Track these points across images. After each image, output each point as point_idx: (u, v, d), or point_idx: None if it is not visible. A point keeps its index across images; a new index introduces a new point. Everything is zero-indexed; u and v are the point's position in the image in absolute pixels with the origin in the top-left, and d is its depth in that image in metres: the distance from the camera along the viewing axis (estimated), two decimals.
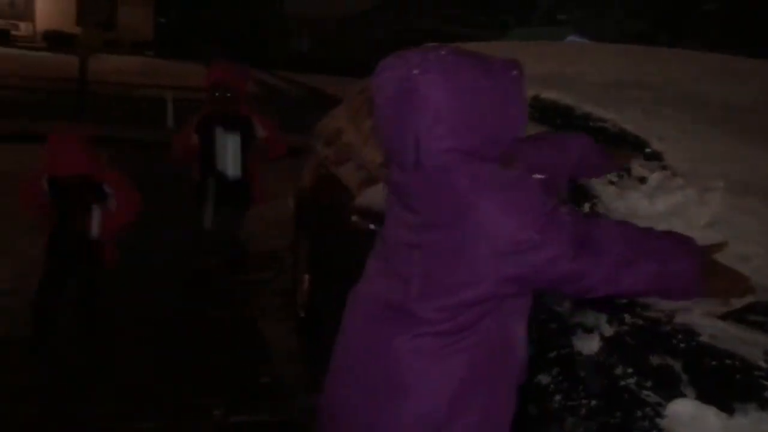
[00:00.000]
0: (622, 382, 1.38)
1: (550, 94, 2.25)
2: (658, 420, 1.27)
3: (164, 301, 4.31)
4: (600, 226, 1.41)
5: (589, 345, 1.51)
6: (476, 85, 1.37)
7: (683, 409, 1.25)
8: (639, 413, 1.30)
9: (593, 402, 1.40)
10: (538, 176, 1.53)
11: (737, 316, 1.51)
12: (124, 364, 3.62)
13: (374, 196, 2.29)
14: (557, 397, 1.46)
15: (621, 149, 1.95)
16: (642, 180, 1.89)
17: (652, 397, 1.32)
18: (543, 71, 2.49)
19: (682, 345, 1.39)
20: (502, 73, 1.41)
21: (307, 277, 4.13)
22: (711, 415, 1.22)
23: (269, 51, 16.54)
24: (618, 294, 1.46)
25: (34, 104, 9.99)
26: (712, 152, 2.00)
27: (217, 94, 4.19)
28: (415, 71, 1.36)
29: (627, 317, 1.51)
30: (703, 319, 1.46)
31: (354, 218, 2.30)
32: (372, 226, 2.17)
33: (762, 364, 1.32)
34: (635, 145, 2.02)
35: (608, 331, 1.51)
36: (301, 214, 4.35)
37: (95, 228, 3.48)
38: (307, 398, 3.44)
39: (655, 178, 1.88)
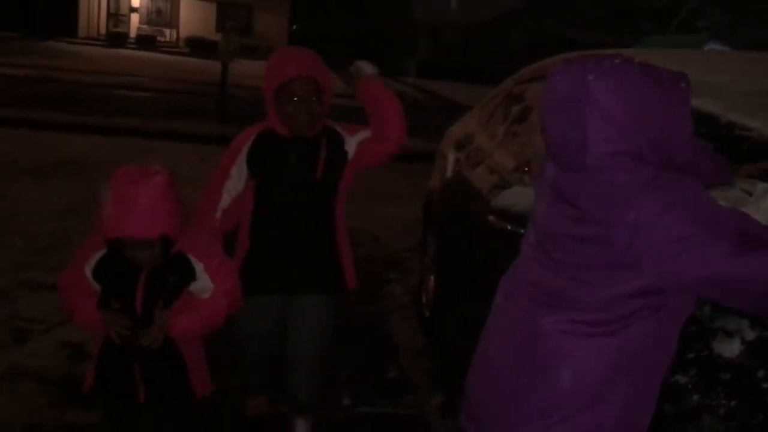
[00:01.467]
0: (765, 385, 1.40)
1: (693, 102, 2.23)
2: None
3: None
4: (757, 223, 1.42)
5: (730, 348, 1.52)
6: (645, 94, 1.46)
7: None
8: None
9: (733, 402, 1.42)
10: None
11: None
12: None
13: (512, 198, 2.36)
14: (695, 397, 1.49)
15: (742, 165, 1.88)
16: (749, 193, 1.84)
17: None
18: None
19: None
20: (671, 84, 1.49)
21: (432, 277, 4.24)
22: None
23: (397, 58, 16.84)
24: None
25: (180, 106, 10.67)
26: None
27: (295, 100, 2.49)
28: (590, 77, 1.45)
29: None
30: None
31: (491, 218, 2.38)
32: (509, 227, 2.24)
33: None
34: None
35: (750, 335, 1.52)
36: (429, 215, 4.47)
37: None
38: (432, 395, 3.56)
39: (761, 188, 1.83)
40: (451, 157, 4.16)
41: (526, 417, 1.56)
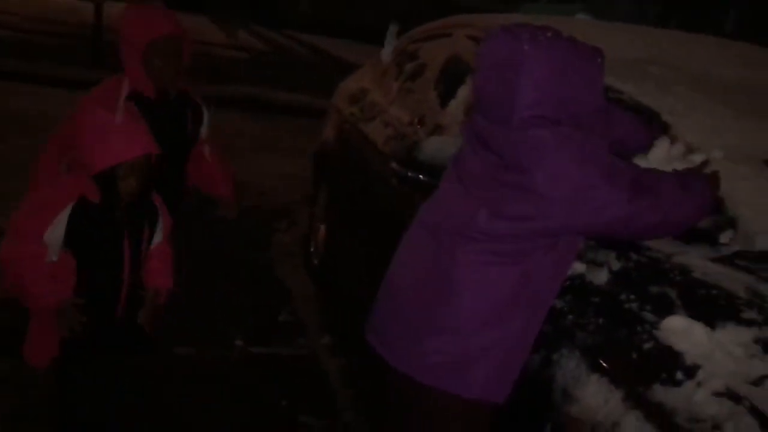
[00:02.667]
0: (626, 306, 1.66)
1: None
2: (654, 332, 1.55)
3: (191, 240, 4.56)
4: (654, 174, 1.74)
5: (599, 277, 1.78)
6: (571, 66, 1.68)
7: (676, 323, 1.53)
8: (639, 328, 1.58)
9: (600, 320, 1.67)
10: None
11: (726, 260, 1.79)
12: None
13: (433, 148, 2.47)
14: (570, 317, 1.74)
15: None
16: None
17: (650, 316, 1.60)
18: None
19: (677, 278, 1.67)
20: (590, 58, 1.72)
21: (323, 226, 4.40)
22: (698, 328, 1.50)
23: (279, 9, 16.55)
24: (670, 231, 1.76)
25: (48, 48, 10.09)
26: (715, 126, 2.26)
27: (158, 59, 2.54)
28: (526, 46, 1.64)
29: (633, 255, 1.79)
30: (696, 260, 1.74)
31: (393, 165, 2.54)
32: (410, 174, 2.42)
33: (742, 294, 1.60)
34: (648, 117, 2.28)
35: (616, 265, 1.79)
36: (321, 167, 4.59)
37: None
38: (322, 336, 3.74)
39: (660, 145, 2.13)
40: (345, 111, 4.29)
41: (428, 332, 1.76)
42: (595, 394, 1.55)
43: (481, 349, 1.73)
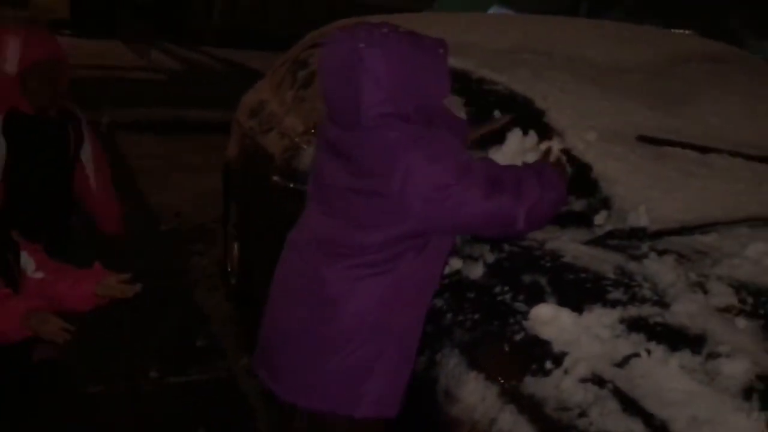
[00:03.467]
0: (499, 298, 1.64)
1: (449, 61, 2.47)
2: (524, 322, 1.53)
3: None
4: (509, 170, 1.70)
5: (475, 271, 1.76)
6: (410, 60, 1.64)
7: (543, 311, 1.51)
8: (511, 320, 1.56)
9: (476, 315, 1.65)
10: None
11: (598, 241, 1.79)
12: None
13: (294, 159, 2.47)
14: (448, 316, 1.71)
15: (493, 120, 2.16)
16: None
17: (521, 307, 1.58)
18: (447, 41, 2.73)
19: (548, 264, 1.66)
20: (431, 50, 1.69)
21: (236, 244, 4.30)
22: (564, 314, 1.48)
23: (191, 26, 16.27)
24: (531, 228, 1.72)
25: None
26: (589, 108, 2.28)
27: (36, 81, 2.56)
28: (362, 45, 1.60)
29: (506, 246, 1.77)
30: (568, 244, 1.74)
31: (275, 178, 2.49)
32: (292, 185, 2.37)
33: (610, 275, 1.60)
34: (523, 105, 2.28)
35: (490, 258, 1.77)
36: (228, 185, 4.50)
37: None
38: (240, 358, 3.65)
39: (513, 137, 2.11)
40: (246, 125, 4.21)
41: (314, 356, 1.71)
42: (473, 392, 1.52)
43: (366, 365, 1.68)
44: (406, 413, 1.73)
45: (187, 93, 10.65)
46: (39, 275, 2.15)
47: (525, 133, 2.03)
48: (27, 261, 2.19)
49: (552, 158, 1.85)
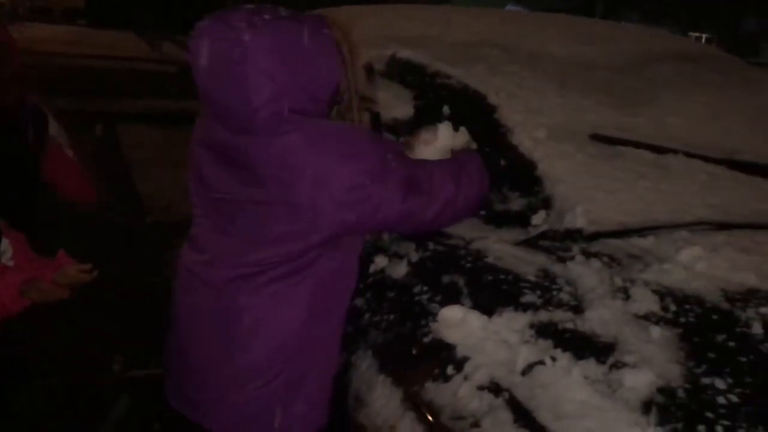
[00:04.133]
0: (417, 298, 1.57)
1: (405, 54, 2.40)
2: (432, 324, 1.46)
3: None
4: (425, 167, 1.59)
5: (398, 270, 1.69)
6: (297, 46, 1.44)
7: (450, 314, 1.43)
8: (423, 322, 1.49)
9: (392, 316, 1.58)
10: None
11: (530, 242, 1.71)
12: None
13: None
14: (367, 316, 1.64)
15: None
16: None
17: (435, 308, 1.50)
18: (408, 33, 2.65)
19: (469, 265, 1.58)
20: (316, 30, 1.49)
21: None
22: (473, 317, 1.41)
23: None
24: (443, 226, 1.65)
25: None
26: (542, 104, 2.19)
27: None
28: (246, 37, 1.39)
29: (431, 245, 1.70)
30: (495, 244, 1.66)
31: None
32: None
33: (531, 278, 1.52)
34: (474, 100, 2.20)
35: (415, 257, 1.69)
36: None
37: None
38: None
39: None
40: None
41: (234, 388, 1.55)
42: (379, 397, 1.45)
43: (293, 385, 1.56)
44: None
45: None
46: (10, 264, 2.10)
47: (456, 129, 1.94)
48: (6, 248, 2.13)
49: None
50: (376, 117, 2.15)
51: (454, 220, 1.64)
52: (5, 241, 2.14)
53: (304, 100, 1.46)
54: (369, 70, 2.34)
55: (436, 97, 2.23)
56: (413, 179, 1.52)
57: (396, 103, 2.20)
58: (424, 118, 2.18)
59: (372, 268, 1.75)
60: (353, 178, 1.44)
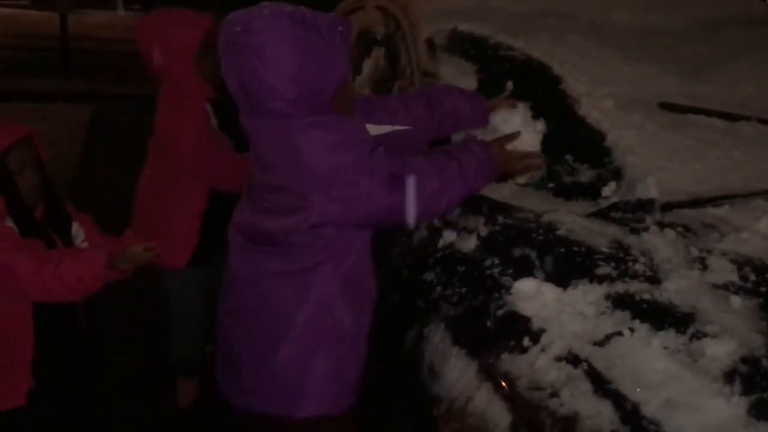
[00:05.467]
0: (488, 272, 1.58)
1: (466, 27, 2.39)
2: (506, 297, 1.46)
3: None
4: (412, 164, 1.53)
5: (467, 244, 1.70)
6: (302, 41, 1.43)
7: (525, 286, 1.44)
8: (496, 295, 1.50)
9: (464, 290, 1.59)
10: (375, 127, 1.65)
11: (601, 213, 1.70)
12: None
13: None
14: (438, 289, 1.66)
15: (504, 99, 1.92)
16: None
17: (507, 281, 1.51)
18: (468, 5, 2.63)
19: (540, 238, 1.58)
20: (328, 29, 1.47)
21: None
22: (547, 289, 1.41)
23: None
24: (422, 221, 1.68)
25: (17, 62, 10.04)
26: (608, 74, 2.16)
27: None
28: (242, 30, 1.42)
29: (500, 218, 1.70)
30: (566, 216, 1.65)
31: None
32: None
33: (604, 249, 1.51)
34: (539, 71, 2.18)
35: (484, 231, 1.70)
36: None
37: None
38: None
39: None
40: None
41: (253, 361, 1.58)
42: (453, 369, 1.47)
43: (300, 365, 1.54)
44: (391, 390, 1.69)
45: None
46: (84, 246, 2.16)
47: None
48: (77, 232, 2.19)
49: (505, 141, 1.70)
50: None
51: (435, 215, 1.66)
52: (75, 225, 2.20)
53: (302, 92, 1.45)
54: (431, 44, 2.33)
55: (500, 70, 2.21)
56: (400, 174, 1.48)
57: (459, 77, 2.19)
58: (488, 91, 2.17)
59: (441, 243, 1.76)
60: (338, 167, 1.44)
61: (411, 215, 1.47)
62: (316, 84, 1.46)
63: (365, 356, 1.58)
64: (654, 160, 1.84)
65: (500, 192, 1.85)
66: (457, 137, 1.86)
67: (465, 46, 2.35)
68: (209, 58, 2.28)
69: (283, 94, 1.43)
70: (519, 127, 1.76)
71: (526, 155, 1.70)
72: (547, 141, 1.90)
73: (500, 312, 1.45)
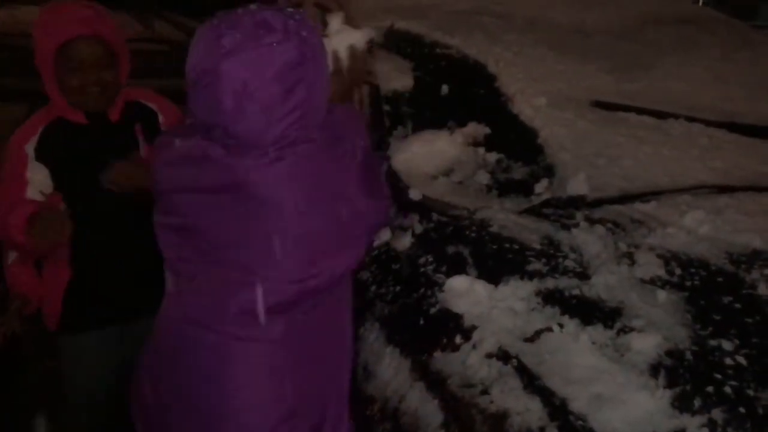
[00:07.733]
0: (422, 269, 1.57)
1: (403, 24, 2.38)
2: (439, 294, 1.46)
3: None
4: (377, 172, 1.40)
5: (402, 242, 1.69)
6: (299, 71, 1.17)
7: (457, 283, 1.43)
8: (429, 292, 1.49)
9: (398, 288, 1.58)
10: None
11: (533, 210, 1.71)
12: None
13: None
14: (373, 288, 1.64)
15: None
16: None
17: (440, 278, 1.51)
18: (405, 3, 2.63)
19: (473, 235, 1.58)
20: (316, 49, 1.21)
21: None
22: (479, 287, 1.41)
23: None
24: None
25: None
26: (542, 72, 2.18)
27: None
28: (224, 53, 1.13)
29: (435, 216, 1.69)
30: (498, 213, 1.66)
31: None
32: None
33: (535, 246, 1.52)
34: (474, 69, 2.18)
35: (419, 228, 1.69)
36: None
37: None
38: None
39: None
40: None
41: None
42: (388, 368, 1.46)
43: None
44: None
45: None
46: None
47: None
48: None
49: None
50: (375, 90, 2.14)
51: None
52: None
53: (296, 126, 1.20)
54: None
55: (436, 68, 2.21)
56: (374, 185, 1.34)
57: (395, 75, 2.18)
58: (425, 89, 2.17)
59: (376, 242, 1.75)
60: (370, 202, 1.30)
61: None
62: (305, 107, 1.23)
63: None
64: (585, 156, 1.87)
65: (435, 189, 1.86)
66: None
67: (401, 43, 2.35)
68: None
69: (272, 132, 1.21)
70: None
71: None
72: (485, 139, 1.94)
73: (433, 310, 1.45)
